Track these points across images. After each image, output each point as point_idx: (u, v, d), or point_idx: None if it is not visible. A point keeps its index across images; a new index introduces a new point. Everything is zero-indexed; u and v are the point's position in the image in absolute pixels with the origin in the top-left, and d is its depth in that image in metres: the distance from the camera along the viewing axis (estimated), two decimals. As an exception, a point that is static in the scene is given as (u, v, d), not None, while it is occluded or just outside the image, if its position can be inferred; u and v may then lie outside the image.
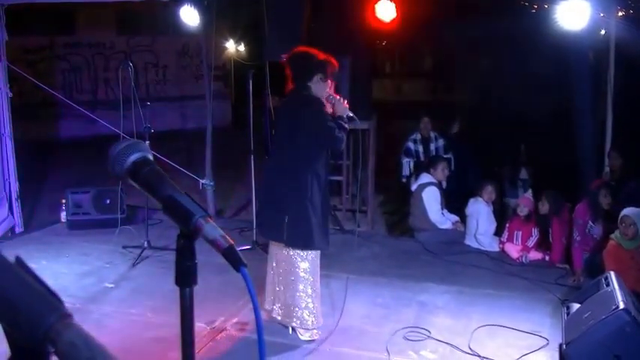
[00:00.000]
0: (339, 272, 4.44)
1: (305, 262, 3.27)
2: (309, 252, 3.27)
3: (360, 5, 4.77)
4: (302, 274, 3.28)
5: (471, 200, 5.15)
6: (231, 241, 0.95)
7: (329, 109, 3.23)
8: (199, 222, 0.95)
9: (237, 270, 0.94)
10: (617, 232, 3.99)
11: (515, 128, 6.60)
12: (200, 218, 0.95)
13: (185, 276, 1.01)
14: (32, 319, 0.70)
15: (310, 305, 3.30)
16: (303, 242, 3.23)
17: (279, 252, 3.35)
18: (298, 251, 3.26)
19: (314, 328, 3.35)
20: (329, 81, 3.22)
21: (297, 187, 3.19)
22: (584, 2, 3.98)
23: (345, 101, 3.27)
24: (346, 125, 3.19)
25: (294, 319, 3.32)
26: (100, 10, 10.07)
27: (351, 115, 3.26)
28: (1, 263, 0.75)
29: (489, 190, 5.09)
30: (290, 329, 3.39)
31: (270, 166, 3.45)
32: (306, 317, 3.31)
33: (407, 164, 6.10)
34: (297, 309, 3.30)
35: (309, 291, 3.30)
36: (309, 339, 3.34)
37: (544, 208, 4.73)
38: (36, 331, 0.70)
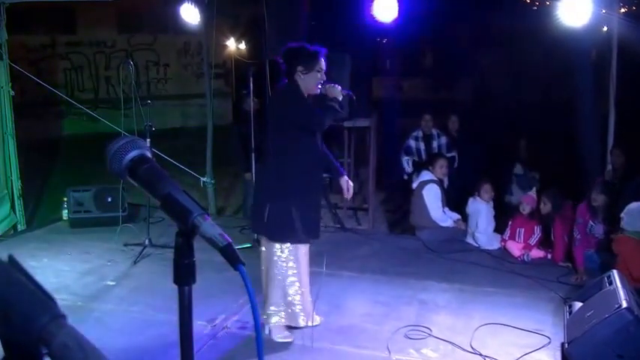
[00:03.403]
0: (340, 270, 4.43)
1: (284, 257, 3.15)
2: (289, 246, 3.15)
3: (361, 3, 4.75)
4: (281, 270, 3.17)
5: (470, 199, 5.14)
6: (229, 239, 0.94)
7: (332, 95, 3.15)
8: (197, 220, 0.94)
9: (235, 268, 0.94)
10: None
11: (516, 125, 6.58)
12: (198, 216, 0.95)
13: (183, 274, 1.00)
14: (25, 320, 0.70)
15: (293, 302, 3.20)
16: (282, 234, 3.12)
17: (264, 248, 3.29)
18: (277, 245, 3.15)
19: (292, 329, 3.24)
20: (317, 73, 3.10)
21: (277, 178, 3.10)
22: (586, -1, 3.96)
23: (337, 85, 3.18)
24: (332, 103, 3.10)
25: (269, 317, 3.24)
26: (101, 9, 10.08)
27: (345, 93, 3.16)
28: None
29: (487, 189, 5.08)
30: (267, 329, 3.27)
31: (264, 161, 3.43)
32: (281, 316, 3.22)
33: (406, 162, 6.09)
34: (272, 307, 3.22)
35: (288, 288, 3.19)
36: (283, 340, 3.23)
37: (546, 207, 4.71)
38: (29, 332, 0.69)
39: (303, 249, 3.24)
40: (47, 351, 0.70)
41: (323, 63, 3.11)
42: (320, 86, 3.13)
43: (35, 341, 0.69)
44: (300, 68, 3.08)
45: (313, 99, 3.20)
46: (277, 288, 3.21)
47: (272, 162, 3.14)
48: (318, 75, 3.11)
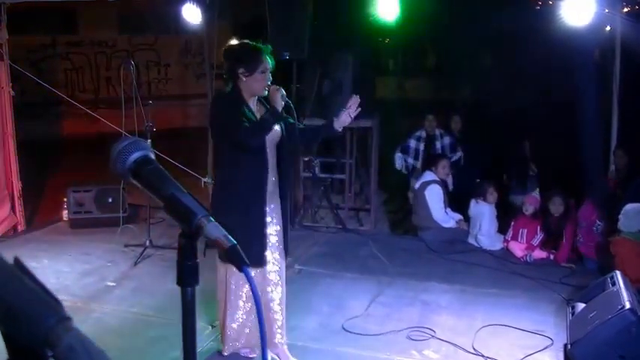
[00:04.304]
0: (341, 271, 4.42)
1: (225, 277, 2.93)
2: (227, 265, 2.84)
3: (363, 2, 4.74)
4: (219, 284, 3.00)
5: (473, 202, 5.13)
6: (234, 241, 0.95)
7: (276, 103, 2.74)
8: (201, 221, 0.95)
9: (240, 270, 0.95)
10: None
11: (519, 126, 6.57)
12: (202, 218, 0.95)
13: (187, 276, 1.00)
14: (31, 323, 0.70)
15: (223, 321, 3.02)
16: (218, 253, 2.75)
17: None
18: (219, 263, 2.95)
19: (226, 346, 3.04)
20: (261, 74, 2.73)
21: (218, 192, 2.92)
22: (588, -2, 3.95)
23: (281, 90, 2.78)
24: (266, 115, 2.73)
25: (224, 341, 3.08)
26: (102, 8, 10.05)
27: (287, 100, 2.78)
28: None
29: (491, 192, 5.07)
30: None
31: None
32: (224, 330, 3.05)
33: (400, 159, 6.08)
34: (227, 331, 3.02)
35: (222, 305, 2.99)
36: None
37: (559, 209, 4.69)
38: (35, 335, 0.69)
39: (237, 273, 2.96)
40: (52, 353, 0.70)
41: (268, 62, 2.76)
42: (266, 88, 2.78)
43: (41, 343, 0.69)
44: (241, 70, 2.72)
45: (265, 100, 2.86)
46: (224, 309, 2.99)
47: (217, 176, 2.95)
48: (263, 76, 2.75)
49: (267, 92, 2.77)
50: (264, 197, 2.84)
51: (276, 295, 2.98)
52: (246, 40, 2.85)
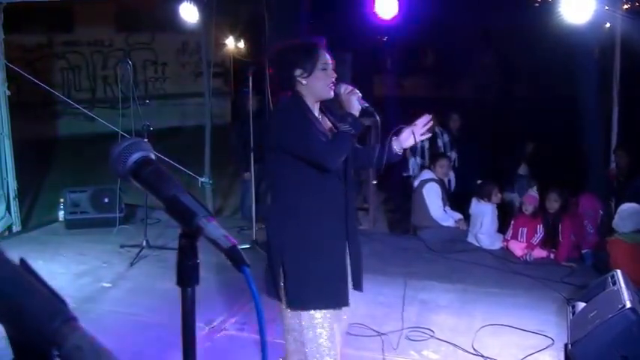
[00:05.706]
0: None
1: (301, 326, 2.25)
2: (302, 313, 2.25)
3: (362, 1, 4.72)
4: (299, 340, 2.29)
5: (474, 201, 5.11)
6: (234, 241, 0.94)
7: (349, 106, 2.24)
8: (202, 222, 0.94)
9: (240, 270, 0.94)
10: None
11: (518, 125, 6.57)
12: (202, 218, 0.95)
13: (187, 276, 1.00)
14: (38, 323, 0.70)
15: None
16: (287, 298, 2.24)
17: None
18: (290, 310, 2.27)
19: None
20: (322, 71, 2.23)
21: (274, 221, 2.31)
22: (588, -5, 3.93)
23: (357, 92, 2.27)
24: (345, 127, 2.17)
25: None
26: (98, 7, 10.03)
27: (366, 105, 2.25)
28: (5, 266, 0.74)
29: (496, 193, 5.06)
30: None
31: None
32: None
33: (414, 163, 6.05)
34: None
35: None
36: None
37: (555, 205, 4.67)
38: (41, 335, 0.69)
39: (323, 316, 2.29)
40: (58, 353, 0.69)
41: (327, 56, 2.26)
42: (333, 86, 2.26)
43: (47, 344, 0.69)
44: (298, 73, 2.22)
45: (327, 106, 2.36)
46: None
47: (279, 201, 2.32)
48: (325, 73, 2.24)
49: (333, 93, 2.26)
50: (344, 229, 2.36)
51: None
52: (294, 39, 2.43)
